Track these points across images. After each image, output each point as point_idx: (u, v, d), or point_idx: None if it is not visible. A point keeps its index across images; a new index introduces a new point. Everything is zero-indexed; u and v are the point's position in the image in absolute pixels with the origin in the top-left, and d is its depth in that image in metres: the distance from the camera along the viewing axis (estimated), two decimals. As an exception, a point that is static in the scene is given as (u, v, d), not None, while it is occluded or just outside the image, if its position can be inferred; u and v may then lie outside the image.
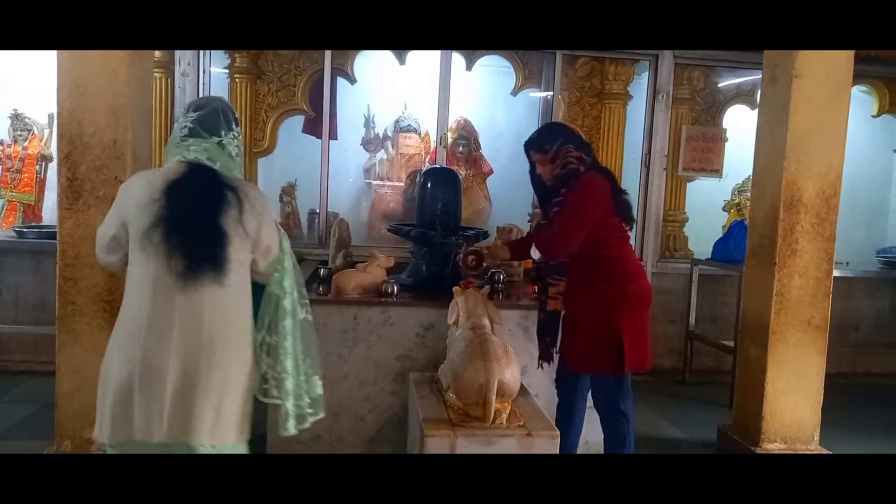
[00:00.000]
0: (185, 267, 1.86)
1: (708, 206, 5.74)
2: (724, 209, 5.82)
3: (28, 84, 4.88)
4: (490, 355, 2.47)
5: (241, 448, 2.03)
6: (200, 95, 4.70)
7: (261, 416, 3.20)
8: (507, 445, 2.41)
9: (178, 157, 1.99)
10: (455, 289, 2.89)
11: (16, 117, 4.95)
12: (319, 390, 2.15)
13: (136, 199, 1.90)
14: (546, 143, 2.83)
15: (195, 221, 1.91)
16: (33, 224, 4.63)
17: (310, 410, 2.12)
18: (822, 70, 3.14)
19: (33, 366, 4.33)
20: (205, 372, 1.86)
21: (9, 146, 4.96)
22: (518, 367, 2.56)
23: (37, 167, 4.99)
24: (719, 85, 5.27)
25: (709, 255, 4.86)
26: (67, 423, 2.85)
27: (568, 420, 2.97)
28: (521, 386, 2.87)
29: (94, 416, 2.79)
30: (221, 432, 1.91)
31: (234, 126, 2.09)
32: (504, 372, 2.46)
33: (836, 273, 5.06)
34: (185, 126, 2.01)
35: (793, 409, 3.30)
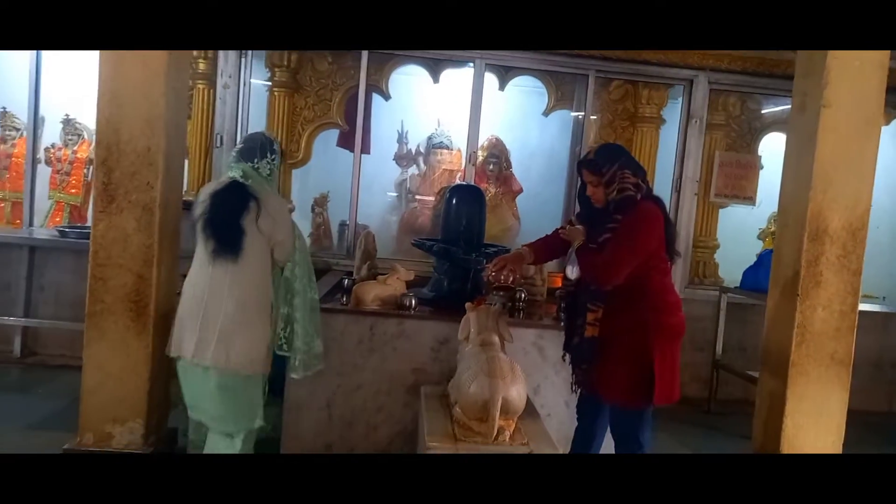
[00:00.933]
0: (213, 250, 2.71)
1: (742, 233, 5.66)
2: (758, 237, 5.72)
3: (80, 90, 5.14)
4: (496, 372, 2.49)
5: (252, 381, 2.76)
6: (240, 107, 4.87)
7: (276, 419, 3.31)
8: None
9: (227, 174, 2.87)
10: (468, 305, 2.92)
11: (67, 122, 5.21)
12: (319, 349, 2.96)
13: (199, 200, 2.80)
14: (603, 165, 2.73)
15: (223, 219, 2.72)
16: (76, 224, 4.84)
17: (314, 362, 2.94)
18: (852, 100, 3.08)
19: (70, 360, 4.51)
20: (223, 320, 2.66)
21: (59, 149, 5.22)
22: (524, 385, 2.57)
23: (85, 170, 5.23)
24: (755, 111, 5.21)
25: (739, 284, 4.78)
26: (91, 417, 2.97)
27: (586, 445, 2.95)
28: (530, 405, 2.88)
29: (116, 411, 2.94)
30: (232, 364, 2.67)
31: (267, 154, 2.86)
32: (510, 389, 2.48)
33: (872, 308, 4.99)
34: (233, 153, 2.91)
35: (812, 444, 3.20)
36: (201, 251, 2.76)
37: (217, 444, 2.77)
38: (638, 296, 2.70)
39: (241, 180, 2.79)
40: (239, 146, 2.92)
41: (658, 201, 2.78)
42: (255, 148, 2.85)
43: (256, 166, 2.83)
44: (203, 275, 2.72)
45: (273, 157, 2.88)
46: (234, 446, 2.76)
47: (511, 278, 3.01)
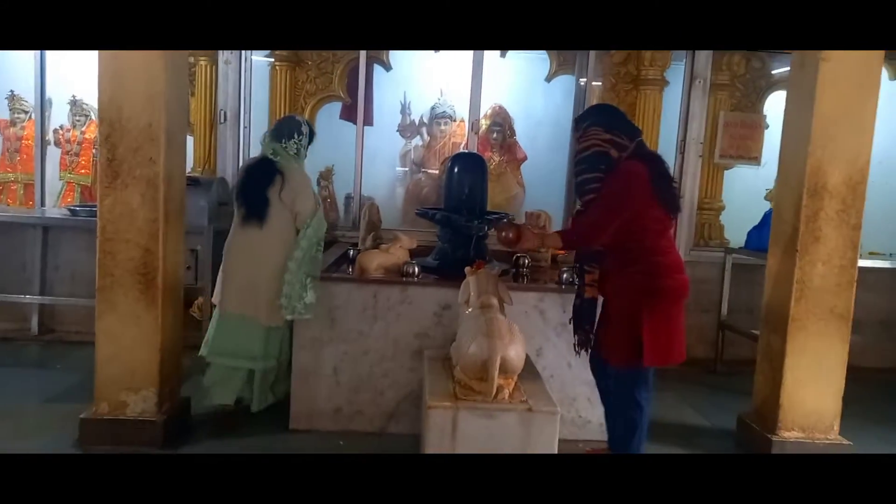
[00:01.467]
0: (243, 216, 3.33)
1: (750, 194, 5.62)
2: (765, 198, 5.68)
3: (85, 71, 5.18)
4: (494, 333, 2.55)
5: (274, 331, 3.35)
6: (242, 82, 4.90)
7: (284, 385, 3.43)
8: (508, 419, 2.49)
9: (262, 151, 3.45)
10: (467, 269, 2.97)
11: (74, 103, 5.26)
12: (310, 300, 3.24)
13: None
14: (580, 121, 2.88)
15: (252, 190, 3.32)
16: (87, 203, 4.93)
17: (300, 309, 3.22)
18: (852, 54, 3.06)
19: (86, 336, 4.60)
20: (249, 276, 3.29)
21: (68, 131, 5.28)
22: (523, 345, 2.62)
23: (94, 151, 5.29)
24: (760, 70, 5.15)
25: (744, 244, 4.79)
26: (105, 387, 3.06)
27: (605, 401, 3.04)
28: (531, 366, 2.94)
29: (130, 380, 3.03)
30: (273, 318, 3.28)
31: (294, 136, 3.39)
32: (508, 349, 2.53)
33: (880, 265, 4.97)
34: (265, 133, 3.53)
35: (812, 398, 3.25)
36: (235, 217, 3.38)
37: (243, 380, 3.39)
38: (629, 257, 2.73)
39: (270, 157, 3.37)
40: (272, 128, 3.55)
41: (647, 159, 2.74)
42: (283, 129, 3.41)
43: (285, 145, 3.37)
44: (236, 237, 3.35)
45: (300, 137, 3.41)
46: (270, 372, 3.41)
47: (513, 237, 2.83)
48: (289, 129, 3.41)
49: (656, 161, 2.77)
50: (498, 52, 5.10)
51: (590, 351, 3.03)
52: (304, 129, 3.45)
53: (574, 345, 3.07)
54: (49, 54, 4.90)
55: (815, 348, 3.22)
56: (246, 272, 3.30)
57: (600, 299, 2.95)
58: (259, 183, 3.29)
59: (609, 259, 2.83)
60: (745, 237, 4.86)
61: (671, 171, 2.85)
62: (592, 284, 2.93)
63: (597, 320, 2.97)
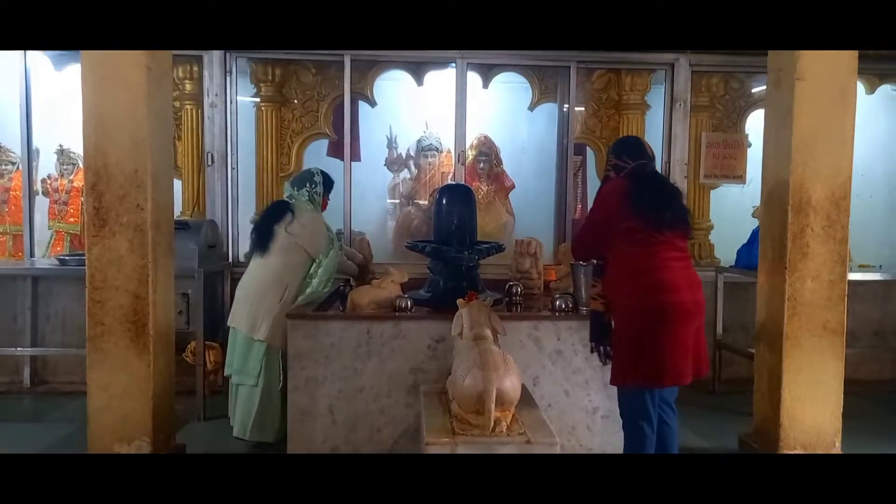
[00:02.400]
0: (253, 246, 3.80)
1: (738, 212, 5.66)
2: (753, 215, 5.72)
3: (72, 121, 5.20)
4: (489, 365, 2.53)
5: (256, 344, 3.58)
6: (228, 124, 4.93)
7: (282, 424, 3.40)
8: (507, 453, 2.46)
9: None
10: (459, 301, 2.96)
11: (61, 152, 5.28)
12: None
13: None
14: (607, 152, 3.10)
15: (262, 224, 3.81)
16: (76, 252, 4.91)
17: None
18: (826, 72, 3.12)
19: (80, 386, 4.53)
20: (251, 299, 3.64)
21: (55, 180, 5.29)
22: (518, 376, 2.61)
23: (82, 199, 5.29)
24: (739, 90, 5.24)
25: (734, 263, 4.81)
26: (98, 438, 3.02)
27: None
28: (528, 396, 2.92)
29: (123, 430, 2.99)
30: (258, 330, 3.57)
31: (307, 185, 3.86)
32: (503, 381, 2.51)
33: (870, 277, 5.00)
34: (287, 182, 4.26)
35: (812, 415, 3.24)
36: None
37: (240, 394, 3.65)
38: (614, 275, 2.78)
39: (286, 199, 3.92)
40: (293, 178, 4.11)
41: (633, 178, 2.78)
42: (300, 180, 3.92)
43: (299, 192, 3.86)
44: (250, 266, 3.80)
45: (312, 186, 3.87)
46: (251, 398, 3.59)
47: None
48: (302, 179, 3.91)
49: (643, 179, 2.79)
50: (480, 84, 5.15)
51: None
52: (317, 178, 3.90)
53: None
54: (35, 104, 4.93)
55: (812, 364, 3.22)
56: (241, 291, 3.74)
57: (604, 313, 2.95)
58: (269, 219, 3.79)
59: (605, 275, 2.86)
60: (735, 255, 4.89)
61: (671, 191, 2.83)
62: (596, 298, 2.95)
63: (608, 334, 2.95)
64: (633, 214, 2.68)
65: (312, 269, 3.76)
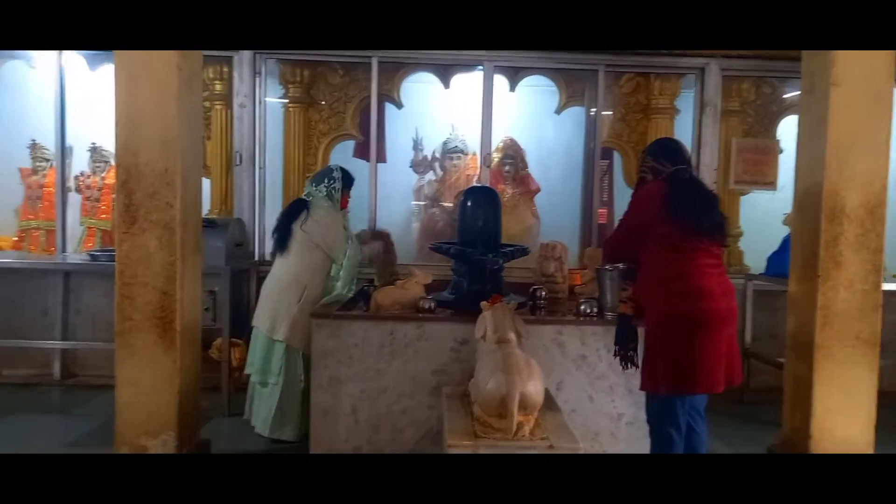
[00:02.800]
0: (275, 245, 3.88)
1: (768, 219, 5.57)
2: (783, 223, 5.62)
3: (105, 119, 5.30)
4: (512, 368, 2.52)
5: (276, 344, 3.68)
6: (257, 124, 4.99)
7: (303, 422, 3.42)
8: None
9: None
10: (483, 303, 2.95)
11: (94, 150, 5.38)
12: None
13: None
14: (641, 153, 3.01)
15: (282, 224, 3.87)
16: (107, 248, 4.99)
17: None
18: (861, 77, 3.04)
19: (108, 380, 4.59)
20: (272, 299, 3.74)
21: (88, 177, 5.39)
22: (541, 380, 2.59)
23: (113, 196, 5.38)
24: (771, 95, 5.15)
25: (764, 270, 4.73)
26: (125, 432, 3.05)
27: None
28: (551, 400, 2.90)
29: (149, 424, 3.03)
30: (277, 330, 3.67)
31: (325, 181, 3.90)
32: (526, 385, 2.50)
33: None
34: (307, 179, 4.23)
35: (843, 427, 3.15)
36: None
37: (260, 393, 3.76)
38: (647, 280, 2.74)
39: (304, 197, 3.94)
40: (312, 175, 4.22)
41: (672, 182, 2.74)
42: (318, 177, 3.96)
43: (317, 188, 3.90)
44: (273, 265, 3.87)
45: (330, 182, 3.89)
46: (273, 395, 3.68)
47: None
48: (321, 176, 3.97)
49: (683, 184, 2.75)
50: (507, 86, 5.14)
51: None
52: (336, 174, 3.93)
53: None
54: (69, 103, 5.02)
55: (844, 376, 3.14)
56: (264, 291, 3.83)
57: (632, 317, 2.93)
58: (287, 218, 3.85)
59: (638, 279, 2.83)
60: (764, 263, 4.80)
61: (710, 198, 2.80)
62: (625, 301, 2.92)
63: (633, 339, 2.94)
64: (670, 220, 2.66)
65: (333, 271, 3.80)
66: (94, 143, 5.35)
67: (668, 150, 2.89)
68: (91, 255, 4.68)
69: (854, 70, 3.05)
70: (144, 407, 3.04)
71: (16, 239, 5.40)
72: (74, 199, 5.33)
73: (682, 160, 2.83)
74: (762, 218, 5.38)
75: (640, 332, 2.91)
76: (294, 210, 3.87)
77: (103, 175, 5.40)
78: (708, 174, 4.98)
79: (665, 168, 2.80)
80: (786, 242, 4.55)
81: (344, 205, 4.01)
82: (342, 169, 4.00)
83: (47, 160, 5.33)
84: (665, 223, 2.66)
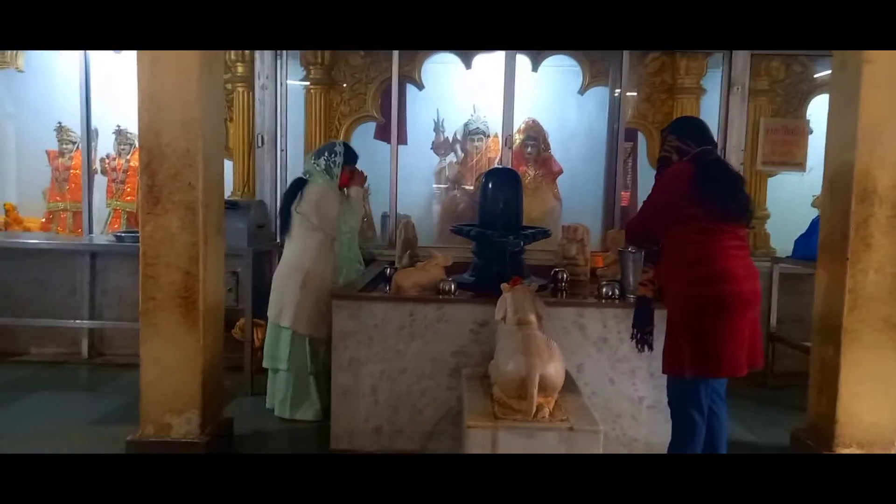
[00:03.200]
0: (280, 229, 4.04)
1: (796, 201, 5.46)
2: (812, 205, 5.51)
3: (129, 102, 5.34)
4: (533, 350, 2.50)
5: (282, 330, 3.70)
6: (279, 106, 5.00)
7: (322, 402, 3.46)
8: (549, 439, 2.43)
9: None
10: (503, 285, 2.93)
11: (119, 133, 5.43)
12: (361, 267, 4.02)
13: None
14: (663, 131, 2.93)
15: (283, 206, 3.85)
16: (132, 229, 5.06)
17: (352, 273, 3.88)
18: (894, 54, 2.95)
19: (134, 359, 4.68)
20: (277, 285, 3.77)
21: (113, 159, 5.45)
22: (562, 362, 2.57)
23: (138, 178, 5.43)
24: (801, 74, 5.02)
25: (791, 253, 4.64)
26: (150, 410, 3.11)
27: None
28: (572, 382, 2.89)
29: (173, 403, 3.08)
30: (282, 317, 3.68)
31: (325, 154, 3.80)
32: (547, 367, 2.48)
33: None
34: (307, 155, 4.26)
35: (870, 411, 3.10)
36: None
37: (273, 379, 3.81)
38: (672, 262, 2.69)
39: (303, 175, 3.83)
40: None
41: (699, 163, 2.67)
42: (318, 152, 3.86)
43: (315, 163, 3.78)
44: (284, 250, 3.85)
45: (331, 156, 3.78)
46: (285, 381, 3.72)
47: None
48: (321, 150, 3.88)
49: (710, 166, 2.68)
50: (530, 67, 5.08)
51: None
52: (338, 148, 3.82)
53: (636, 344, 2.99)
54: (94, 86, 5.07)
55: (871, 360, 3.09)
56: (273, 278, 3.84)
57: (652, 300, 2.89)
58: (288, 200, 3.78)
59: (661, 261, 2.79)
60: (792, 246, 4.71)
61: (737, 179, 2.74)
62: (645, 284, 2.89)
63: (650, 322, 2.91)
64: (698, 202, 2.60)
65: (337, 248, 3.78)
66: (119, 126, 5.40)
67: (694, 128, 2.81)
68: (117, 237, 4.75)
69: (888, 46, 2.96)
70: (169, 386, 3.09)
71: (44, 220, 5.49)
72: (100, 182, 5.40)
73: (708, 140, 2.77)
74: (790, 200, 5.28)
75: (659, 314, 2.87)
76: (292, 191, 3.80)
77: (128, 157, 5.46)
78: (735, 155, 4.88)
79: (690, 148, 2.73)
80: (814, 225, 4.46)
81: (345, 182, 3.87)
82: (345, 144, 3.93)
83: (73, 143, 5.39)
84: (692, 205, 2.61)
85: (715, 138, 2.84)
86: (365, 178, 4.06)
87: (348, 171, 3.87)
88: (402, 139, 5.13)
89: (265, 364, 3.82)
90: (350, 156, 3.88)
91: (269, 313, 3.77)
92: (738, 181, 2.75)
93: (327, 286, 3.69)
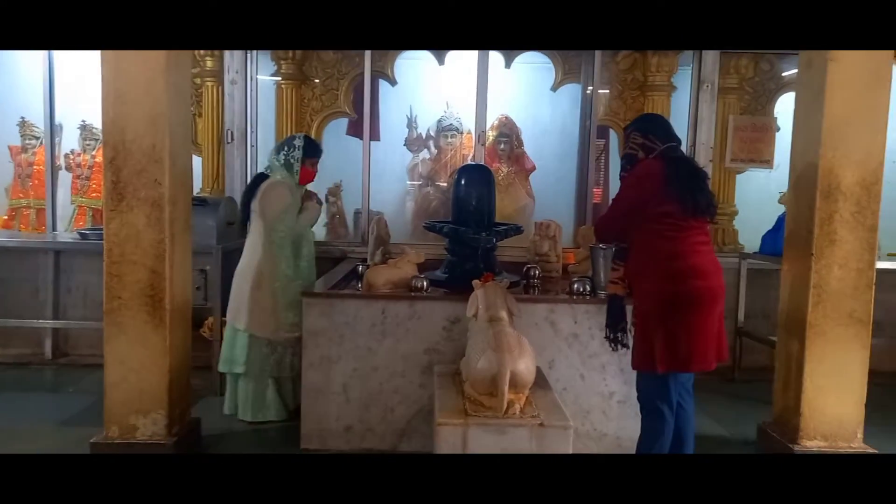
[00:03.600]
0: (240, 224, 3.92)
1: (764, 198, 5.54)
2: (779, 201, 5.59)
3: (94, 97, 5.22)
4: (503, 347, 2.50)
5: (237, 331, 3.58)
6: (249, 102, 4.93)
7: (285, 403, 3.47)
8: (519, 435, 2.43)
9: None
10: (475, 282, 2.93)
11: (84, 128, 5.31)
12: (290, 320, 3.60)
13: None
14: (626, 128, 2.94)
15: (243, 203, 3.74)
16: (97, 227, 4.95)
17: (284, 328, 3.61)
18: (860, 53, 3.00)
19: (99, 359, 4.56)
20: (233, 286, 3.62)
21: (78, 155, 5.33)
22: (533, 358, 2.58)
23: (103, 174, 5.33)
24: (769, 72, 5.09)
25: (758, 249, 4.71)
26: (115, 411, 3.05)
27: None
28: (543, 379, 2.89)
29: (139, 403, 3.02)
30: (237, 319, 3.56)
31: (285, 148, 3.65)
32: (517, 363, 2.49)
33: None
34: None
35: (834, 405, 3.16)
36: None
37: (232, 383, 3.67)
38: (645, 259, 2.70)
39: (264, 171, 3.74)
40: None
41: (667, 160, 2.69)
42: (279, 146, 3.71)
43: (276, 158, 3.65)
44: None
45: (290, 150, 3.63)
46: (243, 384, 3.61)
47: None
48: (282, 144, 3.73)
49: (679, 162, 2.71)
50: (503, 63, 5.08)
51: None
52: (297, 142, 3.65)
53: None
54: (58, 80, 4.95)
55: (835, 354, 3.14)
56: (234, 279, 3.68)
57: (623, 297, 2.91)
58: (247, 196, 3.69)
59: (630, 259, 2.80)
60: (759, 242, 4.78)
61: (703, 176, 2.76)
62: (616, 282, 2.90)
63: (623, 319, 2.92)
64: (670, 198, 2.62)
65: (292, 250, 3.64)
66: (84, 121, 5.28)
67: (658, 125, 2.83)
68: (81, 234, 4.64)
69: (852, 45, 3.01)
70: (134, 386, 3.03)
71: (6, 217, 5.36)
72: (65, 178, 5.27)
73: (672, 136, 2.79)
74: (757, 196, 5.35)
75: (629, 311, 2.89)
76: (252, 187, 3.68)
77: (93, 153, 5.33)
78: (704, 152, 4.93)
79: (656, 145, 2.74)
80: (780, 221, 4.52)
81: (306, 177, 3.72)
82: (307, 137, 3.75)
83: (37, 138, 5.27)
84: (664, 202, 2.62)
85: (683, 135, 2.86)
86: (321, 205, 3.94)
87: (310, 164, 3.71)
88: (374, 135, 5.10)
89: (221, 368, 3.67)
90: (311, 149, 3.71)
91: (226, 315, 3.66)
92: (704, 176, 2.78)
93: (286, 286, 3.60)
